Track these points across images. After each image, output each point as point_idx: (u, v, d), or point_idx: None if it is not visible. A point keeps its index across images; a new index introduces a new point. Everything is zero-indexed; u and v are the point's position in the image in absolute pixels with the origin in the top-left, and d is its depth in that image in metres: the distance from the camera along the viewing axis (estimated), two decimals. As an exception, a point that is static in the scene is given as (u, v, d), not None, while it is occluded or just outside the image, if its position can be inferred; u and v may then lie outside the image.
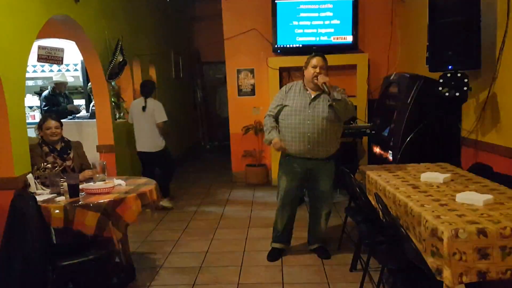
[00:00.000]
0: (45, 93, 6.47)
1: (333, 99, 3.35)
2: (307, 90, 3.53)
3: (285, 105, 3.51)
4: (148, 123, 5.11)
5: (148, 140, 5.15)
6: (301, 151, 3.49)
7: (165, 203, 5.22)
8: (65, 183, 3.07)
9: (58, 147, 3.53)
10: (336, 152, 3.62)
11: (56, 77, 6.56)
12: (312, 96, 3.48)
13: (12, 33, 3.38)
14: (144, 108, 5.09)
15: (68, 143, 3.62)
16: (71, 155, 3.56)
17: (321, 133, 3.43)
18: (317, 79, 3.39)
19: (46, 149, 3.47)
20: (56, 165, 3.36)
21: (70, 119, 6.00)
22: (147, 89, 5.26)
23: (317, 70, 3.43)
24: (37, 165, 3.32)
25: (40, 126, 3.53)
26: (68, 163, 3.51)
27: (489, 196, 2.45)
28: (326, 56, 5.99)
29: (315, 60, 3.47)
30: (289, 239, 3.84)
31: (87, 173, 3.47)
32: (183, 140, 9.13)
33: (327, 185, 3.63)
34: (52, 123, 3.51)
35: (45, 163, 3.34)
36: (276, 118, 3.59)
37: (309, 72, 3.48)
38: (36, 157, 3.41)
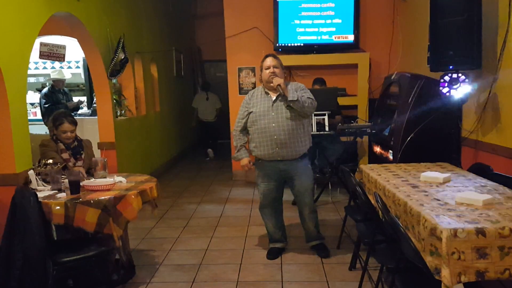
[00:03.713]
0: (45, 90, 6.46)
1: (288, 101, 3.40)
2: (267, 93, 3.57)
3: (251, 112, 3.56)
4: (211, 106, 8.55)
5: (210, 114, 8.56)
6: (270, 155, 3.51)
7: (211, 154, 8.72)
8: (66, 180, 3.08)
9: (72, 145, 3.55)
10: (308, 151, 3.65)
11: (54, 74, 6.54)
12: (273, 99, 3.53)
13: (14, 29, 3.39)
14: (207, 99, 8.53)
15: (80, 143, 3.63)
16: (83, 156, 3.58)
17: (287, 134, 3.45)
18: (272, 82, 3.45)
19: (61, 145, 3.49)
20: (56, 161, 3.36)
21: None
22: (207, 87, 8.72)
23: (271, 70, 3.48)
24: (54, 159, 3.32)
25: (55, 125, 3.51)
26: (80, 163, 3.52)
27: (488, 196, 2.46)
28: (327, 55, 6.16)
29: (267, 61, 3.54)
30: (284, 238, 3.85)
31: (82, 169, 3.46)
32: (184, 138, 9.15)
33: (303, 184, 3.62)
34: (68, 127, 3.49)
35: (56, 160, 3.34)
36: (244, 129, 3.64)
37: (265, 74, 3.54)
38: (51, 152, 3.41)
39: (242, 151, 3.65)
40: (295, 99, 3.38)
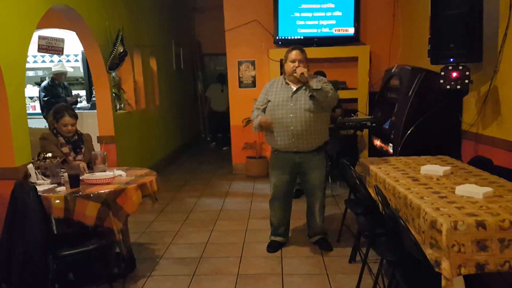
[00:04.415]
0: (44, 83, 6.44)
1: (312, 89, 3.37)
2: (288, 84, 3.54)
3: (269, 100, 3.54)
4: (225, 98, 8.19)
5: (223, 105, 8.75)
6: (286, 145, 3.50)
7: (226, 148, 8.73)
8: (66, 173, 3.07)
9: (72, 139, 3.54)
10: (324, 144, 3.62)
11: (56, 68, 6.53)
12: (294, 89, 3.50)
13: (12, 22, 3.36)
14: (222, 91, 8.88)
15: (81, 137, 3.62)
16: (83, 150, 3.57)
17: (304, 126, 3.43)
18: (296, 72, 3.42)
19: (61, 139, 3.48)
20: (55, 155, 3.35)
21: (71, 109, 6.00)
22: (222, 79, 8.82)
23: (296, 64, 3.45)
24: (53, 153, 3.31)
25: (55, 118, 3.49)
26: (80, 157, 3.52)
27: (488, 189, 2.45)
28: (327, 48, 6.14)
29: (293, 54, 3.49)
30: (286, 233, 3.85)
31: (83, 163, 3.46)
32: (184, 132, 9.14)
33: (317, 178, 3.62)
34: (69, 120, 3.48)
35: (53, 154, 3.33)
36: (263, 112, 3.60)
37: (288, 66, 3.50)
38: (51, 145, 3.40)
39: (260, 115, 3.52)
40: (318, 88, 3.38)
